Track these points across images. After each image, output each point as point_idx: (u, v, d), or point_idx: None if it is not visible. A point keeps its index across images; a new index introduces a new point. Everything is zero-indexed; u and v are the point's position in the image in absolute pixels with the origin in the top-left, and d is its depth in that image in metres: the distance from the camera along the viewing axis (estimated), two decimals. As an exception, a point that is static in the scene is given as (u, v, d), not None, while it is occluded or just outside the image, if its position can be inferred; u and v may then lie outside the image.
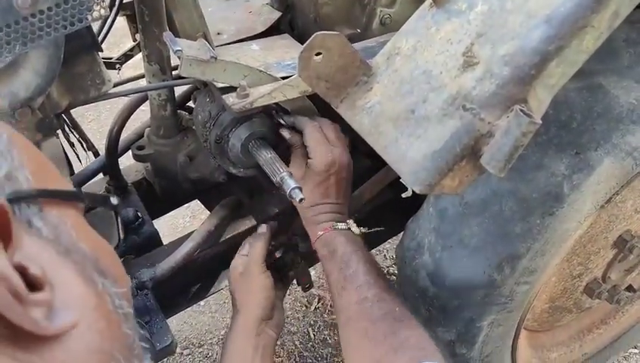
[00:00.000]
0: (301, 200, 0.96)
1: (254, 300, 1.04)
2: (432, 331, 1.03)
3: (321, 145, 1.00)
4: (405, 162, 0.70)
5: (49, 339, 0.33)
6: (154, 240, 1.27)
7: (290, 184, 0.98)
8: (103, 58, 1.47)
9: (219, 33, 1.21)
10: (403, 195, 1.43)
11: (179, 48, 0.91)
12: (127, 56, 1.48)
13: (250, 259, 1.09)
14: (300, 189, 0.98)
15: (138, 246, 1.24)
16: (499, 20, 0.69)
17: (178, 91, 1.33)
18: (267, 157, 1.04)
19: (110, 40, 1.27)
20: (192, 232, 1.20)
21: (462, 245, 0.95)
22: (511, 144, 0.64)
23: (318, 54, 0.73)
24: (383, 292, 0.89)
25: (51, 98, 0.99)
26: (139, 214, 1.27)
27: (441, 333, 1.02)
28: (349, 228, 1.01)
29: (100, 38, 1.16)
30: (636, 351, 1.72)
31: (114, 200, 0.47)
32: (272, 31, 1.24)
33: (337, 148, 1.01)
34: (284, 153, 1.16)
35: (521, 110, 0.64)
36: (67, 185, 0.45)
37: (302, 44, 0.89)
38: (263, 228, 1.14)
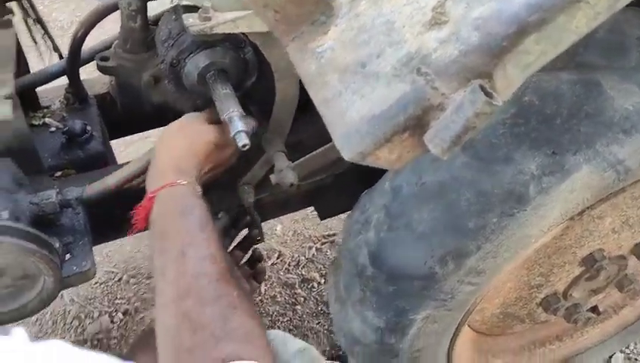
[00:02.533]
0: (244, 145, 0.87)
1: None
2: (363, 313, 0.96)
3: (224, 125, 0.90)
4: (341, 122, 0.61)
5: None
6: (100, 159, 1.19)
7: (237, 125, 0.88)
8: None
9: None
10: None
11: (136, -50, 0.80)
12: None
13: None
14: (248, 134, 0.88)
15: (80, 161, 1.17)
16: (483, -24, 0.57)
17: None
18: (221, 92, 0.94)
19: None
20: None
21: (409, 229, 0.86)
22: (461, 124, 0.54)
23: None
24: (226, 271, 0.73)
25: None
26: (88, 128, 1.18)
27: (371, 318, 0.94)
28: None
29: None
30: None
31: None
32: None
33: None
34: (246, 95, 1.06)
35: (480, 86, 0.53)
36: None
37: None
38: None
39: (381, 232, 0.89)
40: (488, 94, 0.53)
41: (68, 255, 1.01)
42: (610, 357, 1.54)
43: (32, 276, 0.92)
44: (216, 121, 0.95)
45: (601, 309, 1.28)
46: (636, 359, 1.57)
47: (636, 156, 0.78)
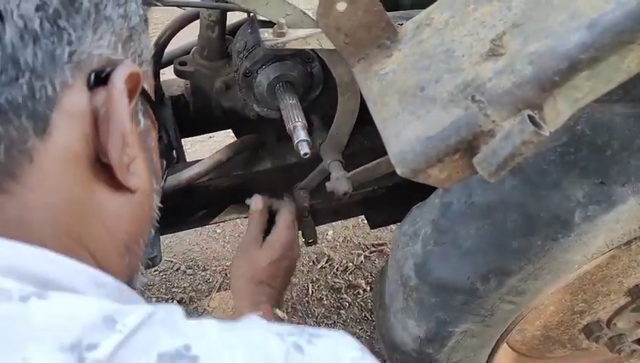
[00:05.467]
0: (305, 154, 0.94)
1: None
2: (404, 321, 1.00)
3: (290, 229, 1.03)
4: (397, 141, 0.66)
5: (122, 190, 0.41)
6: (169, 156, 1.28)
7: (300, 134, 0.95)
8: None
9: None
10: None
11: (222, -31, 0.89)
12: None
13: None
14: (309, 143, 0.95)
15: (154, 157, 1.26)
16: (541, 14, 0.62)
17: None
18: (288, 103, 1.01)
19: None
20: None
21: (455, 245, 0.90)
22: (509, 151, 0.58)
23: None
24: None
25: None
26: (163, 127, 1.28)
27: (412, 327, 0.98)
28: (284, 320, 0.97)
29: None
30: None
31: None
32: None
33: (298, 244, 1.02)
34: (311, 106, 1.13)
35: (529, 117, 0.57)
36: None
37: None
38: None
39: (428, 245, 0.94)
40: (536, 125, 0.57)
41: (137, 242, 1.10)
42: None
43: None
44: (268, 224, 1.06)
45: (648, 343, 1.27)
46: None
47: (687, 192, 0.80)
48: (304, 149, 0.93)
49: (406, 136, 0.65)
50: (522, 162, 0.81)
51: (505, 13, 0.64)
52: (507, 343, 1.20)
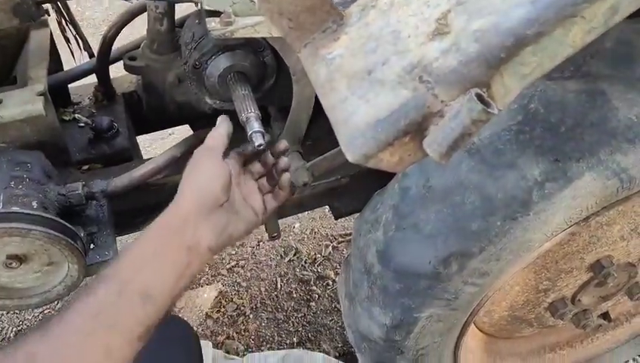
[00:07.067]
0: (260, 145, 0.91)
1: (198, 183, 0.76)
2: (370, 310, 0.99)
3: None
4: (347, 126, 0.64)
5: None
6: (125, 154, 1.24)
7: (253, 126, 0.93)
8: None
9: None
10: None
11: (162, -43, 0.85)
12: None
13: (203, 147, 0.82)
14: (263, 134, 0.92)
15: (107, 156, 1.22)
16: (485, -10, 0.60)
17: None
18: (240, 93, 0.98)
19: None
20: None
21: (415, 229, 0.89)
22: (458, 131, 0.57)
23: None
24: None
25: (32, -16, 0.96)
26: (115, 125, 1.24)
27: (377, 315, 0.97)
28: None
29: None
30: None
31: None
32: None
33: None
34: (266, 96, 1.10)
35: (477, 95, 0.56)
36: None
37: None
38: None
39: (389, 231, 0.92)
40: (485, 103, 0.56)
41: (92, 245, 1.06)
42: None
43: (58, 263, 0.98)
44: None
45: (612, 316, 1.29)
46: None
47: (640, 165, 0.80)
48: (258, 140, 0.90)
49: (355, 121, 0.63)
50: (477, 142, 0.81)
51: (450, -9, 0.63)
52: (476, 325, 1.20)
